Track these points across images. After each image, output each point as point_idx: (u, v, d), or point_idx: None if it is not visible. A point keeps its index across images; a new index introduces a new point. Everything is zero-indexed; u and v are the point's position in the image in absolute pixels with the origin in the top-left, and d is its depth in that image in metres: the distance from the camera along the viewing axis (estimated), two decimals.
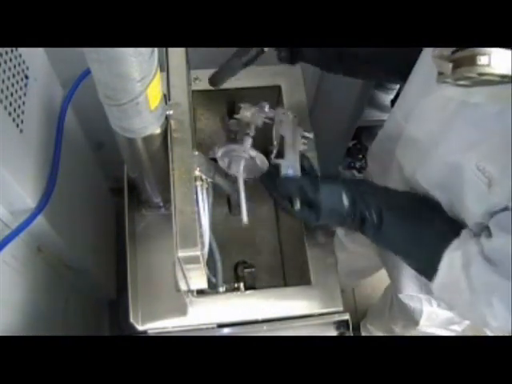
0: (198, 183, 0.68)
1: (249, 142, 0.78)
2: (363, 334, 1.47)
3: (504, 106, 0.55)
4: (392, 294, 1.08)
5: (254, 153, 0.75)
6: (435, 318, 0.94)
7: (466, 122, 0.62)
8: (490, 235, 0.62)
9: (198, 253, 0.61)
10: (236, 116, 0.80)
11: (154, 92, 0.59)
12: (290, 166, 0.75)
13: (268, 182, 0.78)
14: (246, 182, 0.76)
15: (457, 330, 1.00)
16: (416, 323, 0.97)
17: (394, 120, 0.80)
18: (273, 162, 0.77)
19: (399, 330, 1.13)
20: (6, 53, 0.72)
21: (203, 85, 0.92)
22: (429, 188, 0.73)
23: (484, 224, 0.63)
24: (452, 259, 0.65)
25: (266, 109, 0.80)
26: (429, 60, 0.57)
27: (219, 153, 0.76)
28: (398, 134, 0.78)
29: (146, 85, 0.56)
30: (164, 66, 0.73)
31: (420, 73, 0.72)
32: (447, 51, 0.52)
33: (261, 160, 0.76)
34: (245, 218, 0.73)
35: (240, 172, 0.75)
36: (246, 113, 0.79)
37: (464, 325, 0.99)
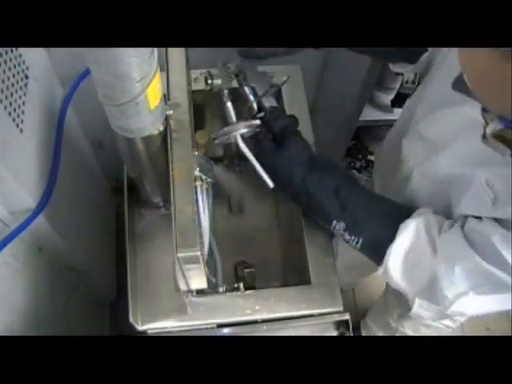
0: (198, 183, 0.68)
1: (231, 112, 0.78)
2: (363, 332, 1.47)
3: None
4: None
5: (243, 124, 0.75)
6: (426, 304, 0.95)
7: (483, 147, 0.62)
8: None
9: (198, 253, 0.61)
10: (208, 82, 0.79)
11: (154, 92, 0.59)
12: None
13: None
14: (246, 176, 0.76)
15: (451, 326, 1.00)
16: (409, 308, 0.98)
17: (413, 111, 0.81)
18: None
19: (395, 324, 1.13)
20: (6, 53, 0.72)
21: (203, 85, 0.92)
22: (423, 179, 0.75)
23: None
24: (417, 224, 0.67)
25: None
26: (454, 58, 0.56)
27: (217, 141, 0.77)
28: (412, 124, 0.79)
29: (145, 85, 0.56)
30: (164, 66, 0.73)
31: (444, 71, 0.72)
32: (499, 125, 0.49)
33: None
34: (270, 183, 0.73)
35: (243, 147, 0.74)
36: (217, 80, 0.78)
37: (458, 322, 0.99)
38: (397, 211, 0.72)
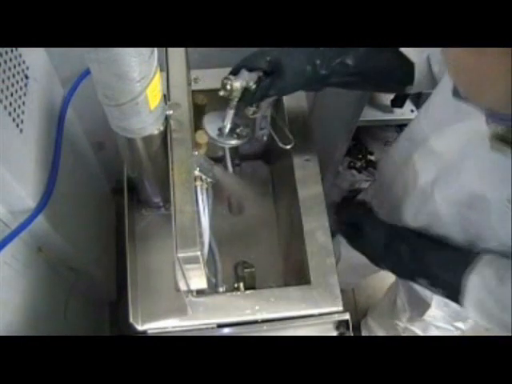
0: (198, 183, 0.68)
1: (228, 123, 0.78)
2: (363, 332, 1.47)
3: None
4: (399, 285, 1.08)
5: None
6: (443, 307, 0.94)
7: (499, 162, 0.60)
8: None
9: (198, 253, 0.61)
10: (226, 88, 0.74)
11: (154, 92, 0.59)
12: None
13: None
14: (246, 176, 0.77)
15: (461, 328, 1.00)
16: (423, 312, 0.97)
17: (418, 125, 0.80)
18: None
19: (403, 325, 1.13)
20: (6, 53, 0.72)
21: (203, 85, 0.92)
22: (444, 203, 0.73)
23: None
24: (483, 276, 0.66)
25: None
26: None
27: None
28: (420, 140, 0.78)
29: (145, 85, 0.56)
30: (164, 66, 0.73)
31: (446, 88, 0.71)
32: (501, 129, 0.50)
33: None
34: (230, 168, 0.83)
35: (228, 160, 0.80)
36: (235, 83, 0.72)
37: (469, 324, 0.99)
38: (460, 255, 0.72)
